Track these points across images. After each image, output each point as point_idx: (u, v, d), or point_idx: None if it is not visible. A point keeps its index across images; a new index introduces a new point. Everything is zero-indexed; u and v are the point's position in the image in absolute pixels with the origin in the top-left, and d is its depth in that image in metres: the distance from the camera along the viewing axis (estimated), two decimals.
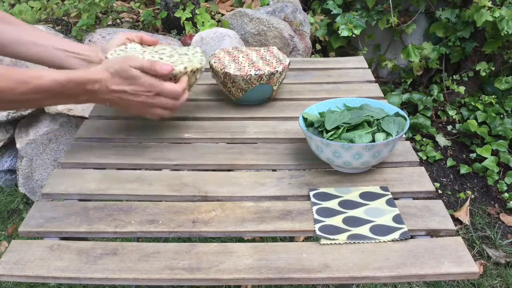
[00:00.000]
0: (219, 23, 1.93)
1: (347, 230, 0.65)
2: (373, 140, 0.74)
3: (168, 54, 0.87)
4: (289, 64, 0.99)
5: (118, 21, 1.99)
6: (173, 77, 0.80)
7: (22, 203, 1.76)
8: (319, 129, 0.77)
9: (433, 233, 0.67)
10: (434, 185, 1.47)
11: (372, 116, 0.78)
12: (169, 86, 0.76)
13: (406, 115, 0.78)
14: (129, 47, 0.87)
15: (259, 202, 0.72)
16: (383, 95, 1.05)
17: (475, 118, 2.12)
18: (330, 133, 0.75)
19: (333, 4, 2.24)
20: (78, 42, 0.89)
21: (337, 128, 0.76)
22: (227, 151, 0.86)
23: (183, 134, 0.91)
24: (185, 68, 0.81)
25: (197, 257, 0.62)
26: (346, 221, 0.67)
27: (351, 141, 0.73)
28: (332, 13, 2.24)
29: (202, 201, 0.73)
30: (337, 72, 1.17)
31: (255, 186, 0.76)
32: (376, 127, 0.77)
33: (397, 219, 0.67)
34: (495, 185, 1.87)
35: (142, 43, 0.90)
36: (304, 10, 2.26)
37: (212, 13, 1.98)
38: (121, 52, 0.84)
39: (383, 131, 0.76)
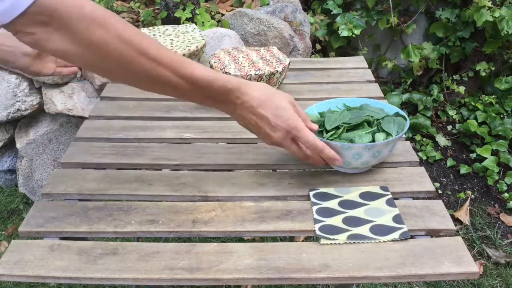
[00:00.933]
0: (219, 23, 1.93)
1: (347, 230, 0.65)
2: (373, 140, 0.74)
3: (174, 35, 1.06)
4: (289, 64, 0.99)
5: None
6: (194, 56, 0.95)
7: (22, 203, 1.76)
8: (319, 129, 0.77)
9: (433, 233, 0.67)
10: (434, 185, 1.47)
11: (372, 116, 0.78)
12: (310, 136, 0.69)
13: (406, 115, 0.78)
14: None
15: (259, 202, 0.72)
16: (383, 95, 1.05)
17: (475, 118, 2.12)
18: (330, 133, 0.75)
19: (333, 4, 2.24)
20: None
21: (337, 128, 0.76)
22: (227, 151, 0.86)
23: (183, 134, 0.91)
24: (197, 47, 1.02)
25: (197, 257, 0.62)
26: (346, 221, 0.67)
27: (351, 141, 0.73)
28: (332, 13, 2.24)
29: (202, 201, 0.73)
30: (337, 72, 1.17)
31: (255, 186, 0.76)
32: (376, 127, 0.77)
33: (397, 219, 0.67)
34: (495, 185, 1.87)
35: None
36: (304, 10, 2.26)
37: (212, 13, 1.98)
38: None
39: (383, 131, 0.76)
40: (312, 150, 0.69)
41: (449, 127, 2.20)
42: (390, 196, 0.72)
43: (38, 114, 1.71)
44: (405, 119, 0.78)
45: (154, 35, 1.11)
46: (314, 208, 0.70)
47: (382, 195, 0.72)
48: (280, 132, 0.68)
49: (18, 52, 0.81)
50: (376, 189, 0.74)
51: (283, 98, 0.69)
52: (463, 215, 1.73)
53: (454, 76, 2.28)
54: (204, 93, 0.66)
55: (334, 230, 0.65)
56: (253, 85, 0.68)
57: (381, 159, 0.75)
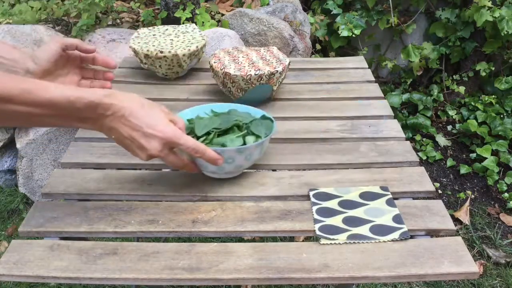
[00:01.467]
0: (219, 23, 1.93)
1: (347, 230, 0.65)
2: (245, 143, 0.74)
3: (174, 35, 1.08)
4: (289, 64, 0.99)
5: (118, 21, 1.99)
6: (194, 56, 0.98)
7: (22, 203, 1.76)
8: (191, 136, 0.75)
9: (433, 233, 0.67)
10: (434, 185, 1.47)
11: (240, 121, 0.78)
12: (190, 140, 0.65)
13: (272, 118, 0.79)
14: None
15: (259, 202, 0.72)
16: (383, 95, 1.06)
17: (475, 118, 2.12)
18: (201, 139, 0.74)
19: (333, 4, 2.24)
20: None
21: (208, 134, 0.75)
22: None
23: None
24: (197, 47, 1.03)
25: (197, 257, 0.62)
26: (346, 221, 0.67)
27: (223, 145, 0.72)
28: (332, 13, 2.24)
29: (202, 201, 0.73)
30: (337, 72, 1.17)
31: (255, 186, 0.76)
32: (245, 131, 0.77)
33: (397, 219, 0.67)
34: (495, 185, 1.87)
35: (78, 50, 0.78)
36: (304, 10, 2.26)
37: (212, 13, 1.99)
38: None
39: (253, 134, 0.76)
40: (194, 153, 0.66)
41: (449, 127, 2.20)
42: (390, 196, 0.72)
43: None
44: (272, 121, 0.78)
45: (154, 35, 1.11)
46: (314, 208, 0.70)
47: (382, 195, 0.72)
48: (156, 142, 0.63)
49: (19, 67, 0.72)
50: (376, 189, 0.74)
51: (156, 107, 0.65)
52: (463, 215, 1.73)
53: (454, 76, 2.28)
54: (69, 116, 0.60)
55: (334, 230, 0.65)
56: (122, 95, 0.63)
57: (253, 162, 0.75)
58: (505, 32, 1.93)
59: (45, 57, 0.73)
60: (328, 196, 0.72)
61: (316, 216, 0.68)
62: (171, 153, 0.66)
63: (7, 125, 0.58)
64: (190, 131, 0.76)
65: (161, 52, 1.02)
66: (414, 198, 0.74)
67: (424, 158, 2.02)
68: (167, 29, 1.14)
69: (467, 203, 1.78)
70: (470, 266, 0.60)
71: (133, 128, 0.63)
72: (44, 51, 0.73)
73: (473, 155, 1.99)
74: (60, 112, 0.58)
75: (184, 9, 1.84)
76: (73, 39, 0.77)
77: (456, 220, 1.72)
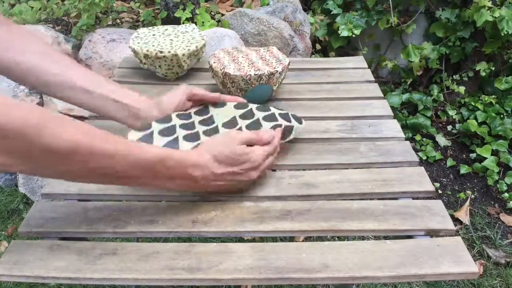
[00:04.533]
0: (219, 23, 1.93)
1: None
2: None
3: (174, 35, 1.08)
4: (289, 64, 0.99)
5: (118, 21, 1.99)
6: (194, 56, 1.00)
7: (22, 203, 1.76)
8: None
9: (433, 233, 0.67)
10: (434, 185, 1.47)
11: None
12: (265, 136, 0.71)
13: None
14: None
15: (259, 202, 0.72)
16: (383, 95, 1.06)
17: (475, 118, 2.12)
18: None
19: (333, 4, 2.24)
20: (113, 81, 0.78)
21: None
22: None
23: None
24: (196, 47, 1.04)
25: (197, 257, 0.62)
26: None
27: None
28: (332, 13, 2.24)
29: (202, 201, 0.73)
30: (337, 72, 1.17)
31: (255, 186, 0.76)
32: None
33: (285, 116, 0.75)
34: (495, 185, 1.87)
35: (204, 101, 0.81)
36: (304, 10, 2.26)
37: (212, 13, 1.99)
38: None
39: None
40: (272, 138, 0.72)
41: (449, 127, 2.20)
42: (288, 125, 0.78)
43: None
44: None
45: (154, 35, 1.11)
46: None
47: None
48: (253, 171, 0.69)
49: (143, 116, 0.75)
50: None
51: (238, 146, 0.67)
52: (463, 215, 1.73)
53: (454, 76, 2.28)
54: (161, 176, 0.61)
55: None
56: (199, 152, 0.65)
57: None
58: (505, 32, 1.93)
59: (170, 106, 0.77)
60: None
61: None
62: (266, 158, 0.71)
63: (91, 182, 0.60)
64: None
65: (161, 52, 1.02)
66: (414, 198, 0.74)
67: (424, 158, 2.02)
68: (166, 29, 1.14)
69: (467, 203, 1.78)
70: (470, 266, 0.60)
71: (228, 174, 0.67)
72: (170, 100, 0.77)
73: (473, 155, 1.99)
74: (155, 172, 0.60)
75: (184, 9, 1.84)
76: (200, 90, 0.80)
77: (456, 220, 1.72)
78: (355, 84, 1.11)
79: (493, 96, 2.17)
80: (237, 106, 0.81)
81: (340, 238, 1.49)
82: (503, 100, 2.19)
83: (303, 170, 0.81)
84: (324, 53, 2.36)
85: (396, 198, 0.73)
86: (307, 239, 1.43)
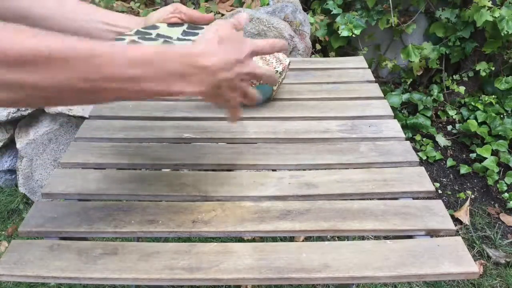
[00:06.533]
0: None
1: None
2: None
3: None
4: (289, 64, 0.99)
5: None
6: None
7: (22, 203, 1.76)
8: None
9: (433, 233, 0.67)
10: (434, 185, 1.47)
11: None
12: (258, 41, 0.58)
13: None
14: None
15: (259, 202, 0.72)
16: (383, 95, 1.06)
17: (475, 118, 2.12)
18: None
19: (333, 4, 2.24)
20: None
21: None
22: (227, 151, 0.86)
23: (183, 134, 0.91)
24: None
25: (197, 257, 0.62)
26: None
27: None
28: (332, 13, 2.24)
29: (202, 201, 0.73)
30: (337, 72, 1.17)
31: (255, 186, 0.76)
32: None
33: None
34: (495, 185, 1.87)
35: (192, 22, 0.72)
36: (304, 10, 2.26)
37: (212, 13, 1.99)
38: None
39: None
40: (272, 48, 0.59)
41: (449, 127, 2.20)
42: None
43: (38, 114, 1.71)
44: None
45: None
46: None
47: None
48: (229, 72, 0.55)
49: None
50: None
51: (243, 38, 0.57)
52: (463, 215, 1.73)
53: (454, 76, 2.28)
54: (168, 74, 0.51)
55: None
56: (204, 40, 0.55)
57: None
58: (505, 32, 1.93)
59: (156, 18, 0.71)
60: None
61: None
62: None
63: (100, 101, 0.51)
64: None
65: None
66: (414, 198, 0.74)
67: (424, 158, 2.02)
68: None
69: (467, 203, 1.78)
70: (470, 266, 0.60)
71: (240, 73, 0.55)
72: (157, 15, 0.71)
73: (473, 155, 1.99)
74: (159, 69, 0.50)
75: None
76: (189, 9, 0.72)
77: (456, 220, 1.72)
78: (355, 84, 1.11)
79: (493, 96, 2.17)
80: None
81: (340, 238, 1.49)
82: (503, 100, 2.19)
83: (303, 170, 0.81)
84: (324, 53, 2.36)
85: (396, 198, 0.73)
86: (307, 239, 1.44)
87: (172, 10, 0.72)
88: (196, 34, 0.68)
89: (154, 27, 0.70)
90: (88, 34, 0.70)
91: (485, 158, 1.91)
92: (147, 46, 0.53)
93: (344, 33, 2.18)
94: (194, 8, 1.87)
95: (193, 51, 0.53)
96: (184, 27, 0.71)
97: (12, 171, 1.84)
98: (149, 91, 0.51)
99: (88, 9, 0.71)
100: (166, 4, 1.86)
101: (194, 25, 0.72)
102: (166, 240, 1.14)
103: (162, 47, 0.55)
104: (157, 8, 2.02)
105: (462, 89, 2.21)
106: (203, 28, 0.71)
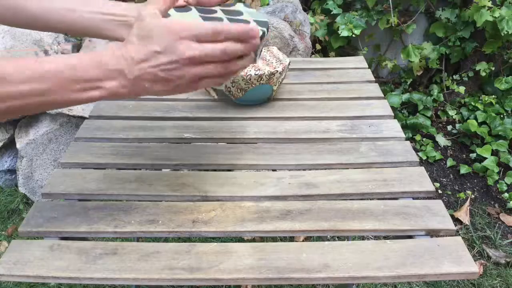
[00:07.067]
0: None
1: None
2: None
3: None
4: (289, 64, 0.99)
5: None
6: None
7: (22, 203, 1.76)
8: None
9: (433, 233, 0.67)
10: (434, 185, 1.47)
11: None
12: (205, 26, 0.50)
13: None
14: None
15: (259, 202, 0.72)
16: (383, 95, 1.06)
17: (475, 118, 2.12)
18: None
19: (333, 4, 2.24)
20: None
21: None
22: (227, 151, 0.86)
23: (183, 134, 0.91)
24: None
25: (197, 257, 0.62)
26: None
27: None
28: (332, 13, 2.24)
29: (202, 201, 0.73)
30: (337, 72, 1.17)
31: (255, 186, 0.76)
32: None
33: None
34: (495, 185, 1.87)
35: (199, 4, 0.68)
36: (304, 10, 2.26)
37: None
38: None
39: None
40: (217, 36, 0.51)
41: (449, 127, 2.20)
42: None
43: (38, 114, 1.72)
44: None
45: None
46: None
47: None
48: (179, 70, 0.51)
49: (130, 16, 0.67)
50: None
51: (146, 25, 0.51)
52: (463, 215, 1.73)
53: (454, 76, 2.28)
54: (78, 82, 0.50)
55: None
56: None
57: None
58: (505, 32, 1.93)
59: (159, 3, 0.64)
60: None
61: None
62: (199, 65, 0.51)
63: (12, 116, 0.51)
64: None
65: None
66: (414, 198, 0.74)
67: (424, 158, 2.02)
68: None
69: (467, 203, 1.78)
70: (470, 266, 0.60)
71: (155, 65, 0.50)
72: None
73: (473, 155, 1.99)
74: (67, 80, 0.50)
75: None
76: None
77: (456, 220, 1.72)
78: (355, 84, 1.11)
79: (493, 96, 2.17)
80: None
81: (340, 238, 1.49)
82: (503, 100, 2.19)
83: (303, 170, 0.81)
84: (324, 53, 2.36)
85: (396, 198, 0.73)
86: (307, 239, 1.44)
87: None
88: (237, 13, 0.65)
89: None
90: (86, 25, 0.68)
91: (485, 158, 1.91)
92: (56, 57, 0.51)
93: (344, 33, 2.18)
94: None
95: (106, 53, 0.51)
96: (192, 11, 0.67)
97: (12, 171, 1.84)
98: (60, 102, 0.51)
99: (84, 0, 0.69)
100: None
101: (203, 8, 0.69)
102: (166, 240, 1.14)
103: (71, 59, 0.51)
104: None
105: (462, 89, 2.21)
106: (237, 10, 0.68)
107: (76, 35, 0.70)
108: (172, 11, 0.67)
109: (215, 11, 0.68)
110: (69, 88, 0.50)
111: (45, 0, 0.67)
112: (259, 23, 0.64)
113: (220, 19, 0.64)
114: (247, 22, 0.64)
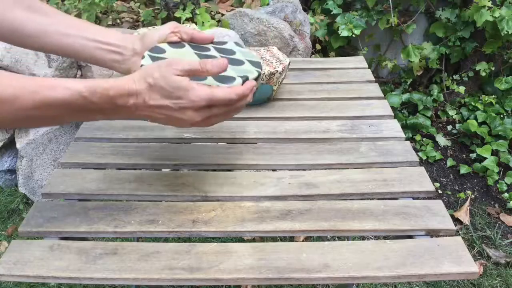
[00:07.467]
0: (219, 23, 1.93)
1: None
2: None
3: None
4: (289, 64, 0.99)
5: (118, 21, 1.99)
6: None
7: (22, 203, 1.76)
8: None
9: (433, 233, 0.67)
10: (434, 185, 1.47)
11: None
12: (219, 93, 0.58)
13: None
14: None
15: (259, 202, 0.72)
16: (383, 95, 1.06)
17: (475, 118, 2.12)
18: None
19: (333, 4, 2.24)
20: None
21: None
22: (227, 151, 0.86)
23: (183, 134, 0.91)
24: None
25: (197, 257, 0.62)
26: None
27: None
28: (332, 13, 2.24)
29: (202, 201, 0.73)
30: (337, 72, 1.17)
31: (255, 186, 0.76)
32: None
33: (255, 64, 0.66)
34: (495, 185, 1.87)
35: (192, 41, 0.72)
36: (304, 10, 2.26)
37: (212, 13, 1.98)
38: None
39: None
40: (230, 102, 0.59)
41: (449, 127, 2.20)
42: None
43: None
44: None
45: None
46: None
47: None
48: (191, 110, 0.57)
49: (128, 50, 0.70)
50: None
51: (176, 77, 0.57)
52: (463, 215, 1.73)
53: (454, 76, 2.28)
54: (86, 111, 0.56)
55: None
56: (135, 77, 0.58)
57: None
58: (505, 32, 1.93)
59: (154, 39, 0.71)
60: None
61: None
62: (211, 115, 0.59)
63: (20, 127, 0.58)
64: None
65: None
66: (414, 198, 0.74)
67: (424, 158, 2.02)
68: None
69: (467, 203, 1.78)
70: (470, 266, 0.60)
71: (162, 107, 0.58)
72: (153, 33, 0.71)
73: (473, 155, 1.99)
74: (76, 109, 0.55)
75: (184, 9, 1.84)
76: (189, 29, 0.72)
77: (456, 220, 1.72)
78: (355, 84, 1.11)
79: (493, 96, 2.17)
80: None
81: (340, 238, 1.49)
82: (503, 100, 2.19)
83: (303, 170, 0.81)
84: (324, 53, 2.36)
85: (396, 198, 0.73)
86: (307, 239, 1.44)
87: (172, 28, 0.72)
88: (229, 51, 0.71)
89: (160, 50, 0.69)
90: (80, 50, 0.71)
91: (485, 158, 1.91)
92: (66, 84, 0.55)
93: (344, 33, 2.18)
94: (194, 8, 1.87)
95: (118, 88, 0.57)
96: (186, 48, 0.71)
97: (12, 171, 1.84)
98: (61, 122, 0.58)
99: (81, 25, 0.71)
100: (166, 4, 1.86)
101: (196, 45, 0.72)
102: (166, 240, 1.14)
103: (86, 85, 0.56)
104: (157, 9, 2.02)
105: (462, 89, 2.21)
106: (226, 42, 0.74)
107: (71, 58, 0.70)
108: (166, 47, 0.70)
109: (209, 49, 0.70)
110: (78, 114, 0.57)
111: (42, 23, 0.70)
112: (253, 63, 0.69)
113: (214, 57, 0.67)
114: (241, 62, 0.68)
